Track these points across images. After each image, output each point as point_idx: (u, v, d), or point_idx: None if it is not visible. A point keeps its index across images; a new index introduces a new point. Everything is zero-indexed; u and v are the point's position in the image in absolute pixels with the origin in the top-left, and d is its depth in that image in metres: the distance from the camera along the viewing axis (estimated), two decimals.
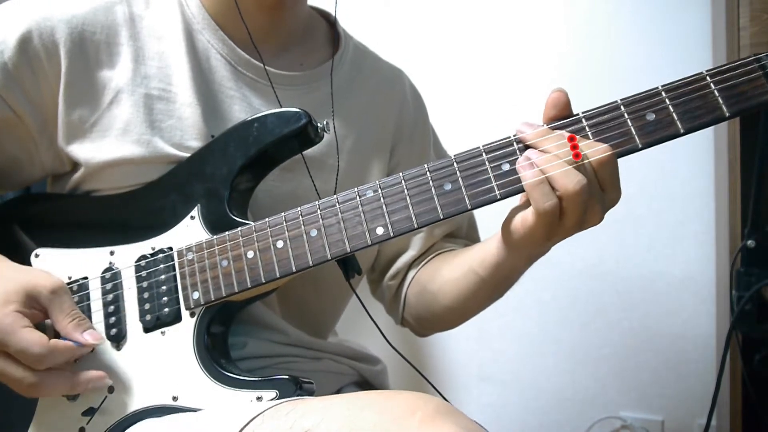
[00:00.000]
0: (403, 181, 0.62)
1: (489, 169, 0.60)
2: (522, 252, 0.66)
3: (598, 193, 0.58)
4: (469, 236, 0.92)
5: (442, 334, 1.44)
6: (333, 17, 0.88)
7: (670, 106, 0.57)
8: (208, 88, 0.75)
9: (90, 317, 0.69)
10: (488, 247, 0.71)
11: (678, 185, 1.25)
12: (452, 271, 0.79)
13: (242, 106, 0.76)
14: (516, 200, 0.64)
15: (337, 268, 0.73)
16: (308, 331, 0.81)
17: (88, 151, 0.71)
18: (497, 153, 0.60)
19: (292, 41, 0.81)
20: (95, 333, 0.64)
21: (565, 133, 0.58)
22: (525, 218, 0.60)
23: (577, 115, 0.59)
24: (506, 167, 0.60)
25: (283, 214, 0.65)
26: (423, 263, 0.87)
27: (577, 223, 0.58)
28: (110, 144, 0.70)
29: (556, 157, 0.57)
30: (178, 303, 0.68)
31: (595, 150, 0.57)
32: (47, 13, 0.70)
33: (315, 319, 0.84)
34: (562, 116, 0.60)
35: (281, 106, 0.76)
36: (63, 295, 0.63)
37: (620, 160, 0.59)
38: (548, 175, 0.57)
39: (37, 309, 0.62)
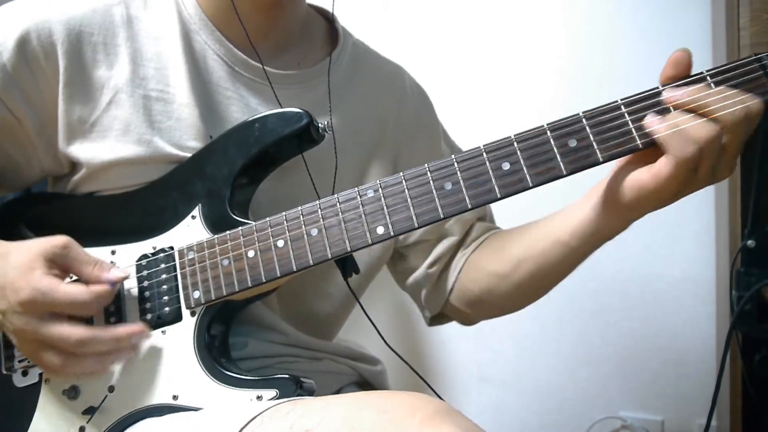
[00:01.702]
0: (403, 181, 0.62)
1: (489, 169, 0.60)
2: (641, 211, 0.63)
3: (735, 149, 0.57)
4: (491, 221, 0.92)
5: (441, 334, 1.45)
6: (332, 15, 0.87)
7: None
8: (205, 89, 0.75)
9: (91, 316, 0.69)
10: (579, 216, 0.69)
11: None
12: (528, 248, 0.76)
13: (240, 107, 0.76)
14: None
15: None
16: (311, 333, 0.81)
17: (88, 151, 0.71)
18: (497, 152, 0.60)
19: (290, 41, 0.81)
20: (119, 270, 0.66)
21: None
22: (657, 173, 0.57)
23: (701, 73, 0.58)
24: (506, 166, 0.60)
25: (284, 213, 0.65)
26: (473, 246, 0.85)
27: (709, 174, 0.57)
28: (111, 144, 0.71)
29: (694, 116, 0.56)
30: (179, 302, 0.68)
31: (741, 98, 0.56)
32: (45, 14, 0.70)
33: (318, 322, 0.84)
34: (681, 76, 0.58)
35: (280, 106, 0.76)
36: (75, 247, 0.64)
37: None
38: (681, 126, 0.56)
39: (57, 269, 0.62)
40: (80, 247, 0.65)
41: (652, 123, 0.57)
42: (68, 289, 0.60)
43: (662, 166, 0.57)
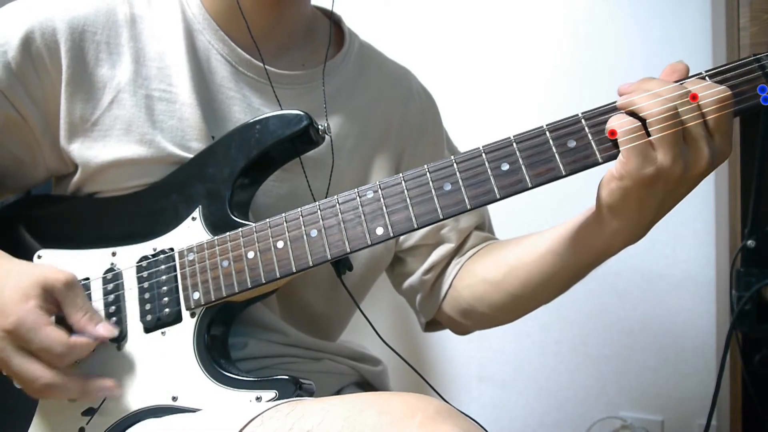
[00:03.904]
0: (403, 182, 0.62)
1: (489, 170, 0.60)
2: (623, 215, 0.60)
3: (705, 136, 0.55)
4: (490, 231, 0.91)
5: (441, 334, 1.45)
6: (337, 16, 0.87)
7: None
8: (207, 89, 0.75)
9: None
10: (572, 225, 0.68)
11: None
12: (521, 256, 0.75)
13: (242, 107, 0.76)
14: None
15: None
16: (312, 334, 0.81)
17: (90, 150, 0.71)
18: (497, 153, 0.60)
19: (293, 41, 0.81)
20: (108, 326, 0.64)
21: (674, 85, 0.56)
22: (618, 159, 0.57)
23: (701, 73, 0.58)
24: (506, 167, 0.60)
25: (283, 214, 0.65)
26: (469, 254, 0.84)
27: (675, 158, 0.54)
28: (113, 144, 0.71)
29: (655, 95, 0.55)
30: (179, 303, 0.68)
31: (710, 92, 0.55)
32: (49, 13, 0.70)
33: (319, 322, 0.84)
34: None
35: (280, 105, 0.76)
36: (76, 289, 0.63)
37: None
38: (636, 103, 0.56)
39: (52, 303, 0.62)
40: (81, 291, 0.64)
41: (612, 120, 0.57)
42: (49, 334, 0.59)
43: (620, 152, 0.57)
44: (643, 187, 0.57)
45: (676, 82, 0.58)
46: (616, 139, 0.57)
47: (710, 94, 0.55)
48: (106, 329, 0.64)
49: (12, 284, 0.61)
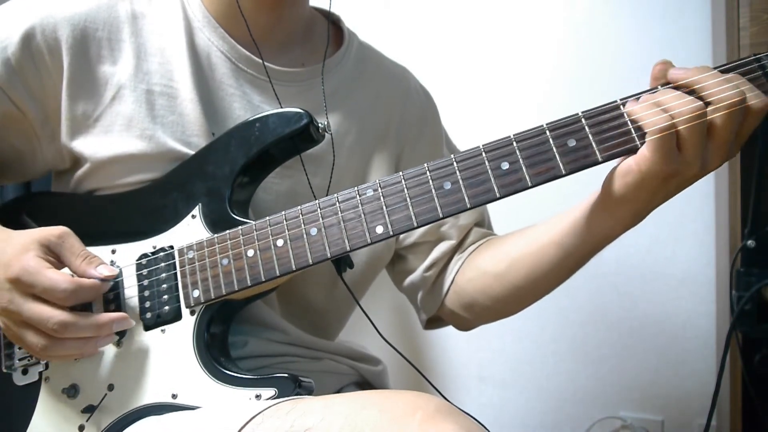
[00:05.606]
0: (403, 181, 0.62)
1: (489, 168, 0.60)
2: (631, 204, 0.61)
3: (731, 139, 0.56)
4: (490, 228, 0.92)
5: (441, 334, 1.45)
6: (336, 16, 0.88)
7: None
8: (208, 86, 0.75)
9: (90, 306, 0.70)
10: (574, 215, 0.68)
11: None
12: (523, 248, 0.76)
13: (242, 104, 0.76)
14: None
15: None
16: (312, 332, 0.81)
17: (92, 145, 0.71)
18: (497, 152, 0.60)
19: (293, 41, 0.82)
20: (108, 267, 0.66)
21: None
22: (640, 152, 0.57)
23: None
24: (506, 166, 0.60)
25: (283, 212, 0.66)
26: (470, 249, 0.85)
27: (696, 156, 0.55)
28: (114, 139, 0.71)
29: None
30: (179, 301, 0.68)
31: (752, 95, 0.55)
32: (50, 10, 0.71)
33: (319, 321, 0.84)
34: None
35: (279, 102, 0.76)
36: (70, 238, 0.65)
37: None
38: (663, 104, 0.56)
39: (51, 257, 0.64)
40: (76, 239, 0.66)
41: (632, 106, 0.57)
42: (52, 275, 0.61)
43: (644, 146, 0.57)
44: (659, 182, 0.57)
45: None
46: (622, 137, 0.57)
47: (728, 96, 0.55)
48: (106, 269, 0.65)
49: (13, 243, 0.63)
